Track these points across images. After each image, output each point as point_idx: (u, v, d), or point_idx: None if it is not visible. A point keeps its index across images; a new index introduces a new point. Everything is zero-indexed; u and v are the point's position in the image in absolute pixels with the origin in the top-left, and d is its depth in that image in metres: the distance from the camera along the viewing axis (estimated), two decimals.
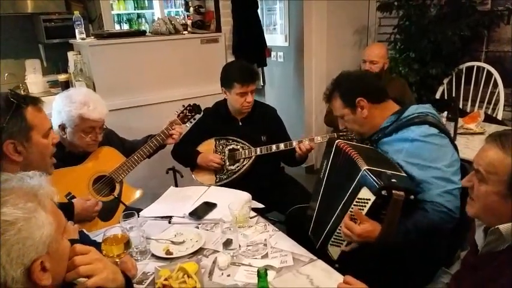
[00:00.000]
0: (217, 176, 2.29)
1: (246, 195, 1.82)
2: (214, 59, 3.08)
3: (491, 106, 3.17)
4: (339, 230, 1.45)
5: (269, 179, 2.31)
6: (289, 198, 2.13)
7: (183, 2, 4.23)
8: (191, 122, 2.21)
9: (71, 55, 2.86)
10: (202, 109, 2.28)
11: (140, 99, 2.88)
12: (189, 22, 3.21)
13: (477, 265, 1.09)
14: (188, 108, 2.17)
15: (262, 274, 1.13)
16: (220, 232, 1.47)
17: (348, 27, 3.94)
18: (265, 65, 3.88)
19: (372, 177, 1.32)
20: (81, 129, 1.79)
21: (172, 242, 1.52)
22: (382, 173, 1.34)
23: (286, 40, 4.11)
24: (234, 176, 2.26)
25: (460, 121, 2.48)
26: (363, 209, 1.37)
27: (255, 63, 3.58)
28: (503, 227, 1.00)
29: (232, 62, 2.85)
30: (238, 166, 2.28)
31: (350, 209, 1.40)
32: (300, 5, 3.73)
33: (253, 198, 1.83)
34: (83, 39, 2.82)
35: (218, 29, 3.22)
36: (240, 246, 1.46)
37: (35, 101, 1.30)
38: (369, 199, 1.34)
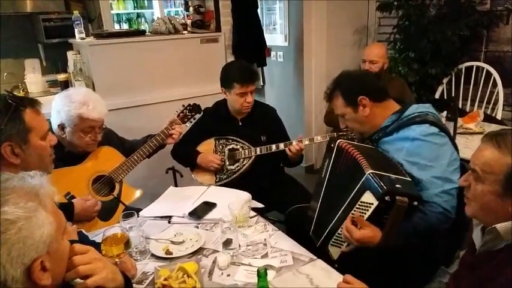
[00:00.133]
0: (217, 176, 2.29)
1: (245, 195, 1.82)
2: (214, 59, 3.08)
3: (490, 106, 3.18)
4: (340, 231, 1.45)
5: (269, 178, 2.31)
6: (289, 198, 2.13)
7: (182, 2, 4.22)
8: (191, 122, 2.20)
9: (70, 55, 2.86)
10: (202, 109, 2.28)
11: (140, 98, 2.88)
12: (188, 22, 3.22)
13: (475, 264, 1.09)
14: (188, 108, 2.17)
15: (262, 274, 1.13)
16: (220, 232, 1.47)
17: (347, 27, 3.94)
18: (265, 65, 3.87)
19: (376, 182, 1.31)
20: (80, 129, 1.79)
21: (172, 242, 1.52)
22: (387, 177, 1.33)
23: (286, 40, 4.11)
24: (234, 175, 2.26)
25: (460, 121, 2.48)
26: (365, 213, 1.36)
27: (255, 63, 3.58)
28: (500, 226, 1.00)
29: (232, 62, 2.85)
30: (238, 166, 2.28)
31: (352, 212, 1.40)
32: (300, 4, 3.73)
33: (253, 198, 1.83)
34: (82, 38, 2.82)
35: (218, 28, 3.22)
36: (239, 246, 1.46)
37: (33, 103, 1.29)
38: (372, 203, 1.34)
